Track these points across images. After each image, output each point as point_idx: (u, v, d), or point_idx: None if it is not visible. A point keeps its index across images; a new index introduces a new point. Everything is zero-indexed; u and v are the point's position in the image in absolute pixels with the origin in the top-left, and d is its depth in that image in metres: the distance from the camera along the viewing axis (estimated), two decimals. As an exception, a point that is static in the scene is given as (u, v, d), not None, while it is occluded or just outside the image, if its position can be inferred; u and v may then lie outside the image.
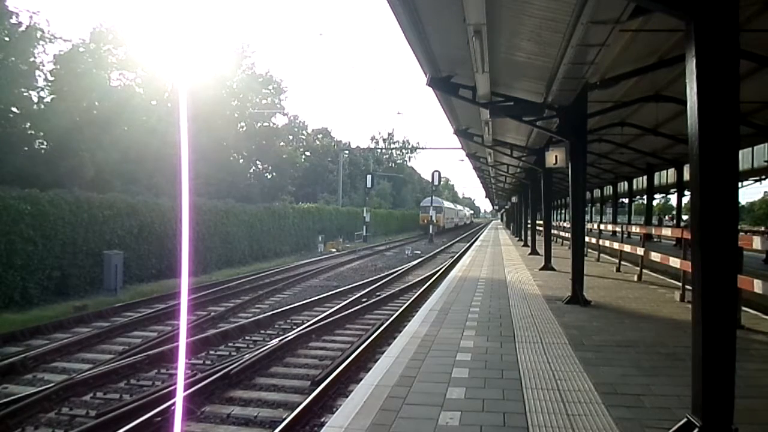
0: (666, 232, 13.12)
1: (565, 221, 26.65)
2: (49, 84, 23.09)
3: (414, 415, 3.61)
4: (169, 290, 13.65)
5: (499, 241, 27.69)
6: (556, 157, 9.93)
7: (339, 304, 11.97)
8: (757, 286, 5.59)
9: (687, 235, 7.87)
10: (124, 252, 14.59)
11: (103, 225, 14.63)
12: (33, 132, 21.96)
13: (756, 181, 18.99)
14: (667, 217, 42.03)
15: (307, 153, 57.45)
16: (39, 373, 7.17)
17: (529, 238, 21.26)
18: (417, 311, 8.01)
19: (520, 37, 6.79)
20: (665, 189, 26.33)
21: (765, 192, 54.28)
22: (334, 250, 29.12)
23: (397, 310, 10.85)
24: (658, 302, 8.35)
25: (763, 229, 32.99)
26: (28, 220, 12.27)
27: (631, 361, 4.91)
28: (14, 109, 20.96)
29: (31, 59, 21.42)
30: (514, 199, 33.94)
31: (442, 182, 67.24)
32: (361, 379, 4.60)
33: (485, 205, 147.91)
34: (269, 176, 39.22)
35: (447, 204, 63.77)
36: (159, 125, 23.05)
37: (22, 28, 20.50)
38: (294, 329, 9.32)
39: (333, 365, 7.16)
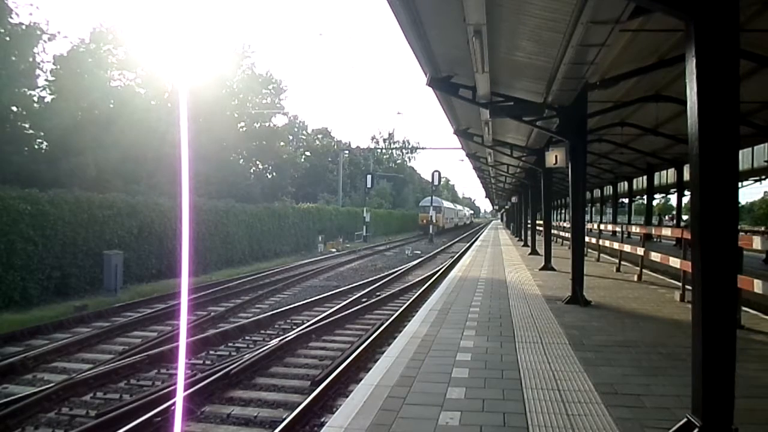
0: (666, 232, 13.12)
1: (565, 221, 26.65)
2: (50, 84, 23.11)
3: (414, 415, 3.61)
4: (169, 290, 13.65)
5: (499, 241, 27.69)
6: (556, 157, 9.93)
7: (339, 304, 11.96)
8: (757, 286, 5.59)
9: (687, 235, 7.87)
10: (124, 252, 14.58)
11: (103, 225, 14.62)
12: (33, 131, 21.98)
13: (756, 181, 19.00)
14: (667, 217, 42.03)
15: (307, 153, 57.54)
16: (39, 373, 7.17)
17: (529, 238, 21.26)
18: (417, 311, 8.01)
19: (520, 37, 6.79)
20: (665, 189, 26.34)
21: (765, 192, 54.24)
22: (334, 250, 29.12)
23: (397, 311, 10.85)
24: (658, 302, 8.35)
25: (763, 229, 33.01)
26: (28, 220, 12.27)
27: (631, 361, 4.91)
28: (14, 108, 20.96)
29: (31, 59, 21.43)
30: (514, 199, 33.93)
31: (442, 182, 67.23)
32: (361, 379, 4.60)
33: (485, 205, 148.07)
34: (269, 176, 39.28)
35: (447, 204, 63.73)
36: (159, 125, 23.05)
37: (22, 27, 20.50)
38: (294, 329, 9.32)
39: (333, 365, 7.16)
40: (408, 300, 12.22)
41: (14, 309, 11.35)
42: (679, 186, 21.63)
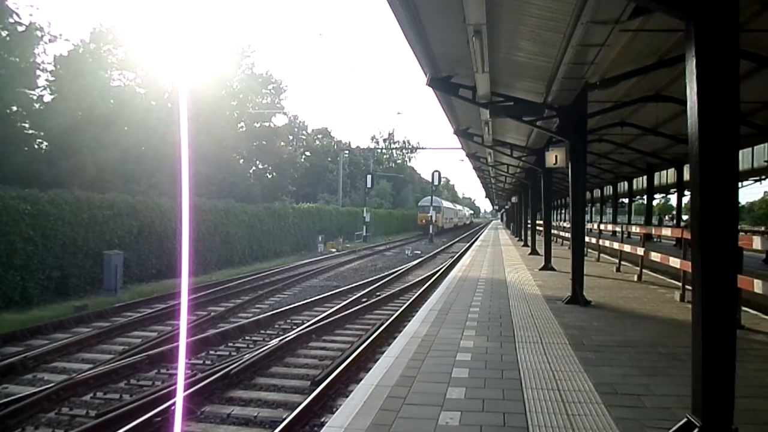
0: (666, 232, 13.11)
1: (565, 221, 26.64)
2: (50, 84, 23.11)
3: (414, 415, 3.61)
4: (169, 290, 13.65)
5: (499, 241, 27.69)
6: (556, 157, 9.93)
7: (339, 304, 11.97)
8: (757, 286, 5.59)
9: (687, 235, 7.87)
10: (124, 252, 14.58)
11: (103, 225, 14.63)
12: (33, 131, 21.98)
13: (756, 181, 18.98)
14: (667, 217, 42.03)
15: (307, 153, 57.55)
16: (39, 373, 7.17)
17: (529, 238, 21.26)
18: (417, 311, 8.01)
19: (520, 37, 6.79)
20: (665, 189, 26.33)
21: (765, 192, 54.25)
22: (334, 250, 29.12)
23: (397, 310, 10.85)
24: (658, 302, 8.35)
25: (763, 229, 33.01)
26: (28, 220, 12.27)
27: (631, 361, 4.90)
28: (15, 108, 20.96)
29: (32, 59, 21.43)
30: (514, 199, 33.93)
31: (442, 182, 67.21)
32: (361, 379, 4.60)
33: (485, 205, 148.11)
34: (269, 176, 39.23)
35: (446, 204, 63.64)
36: (159, 125, 23.05)
37: (23, 28, 20.50)
38: (294, 329, 9.32)
39: (333, 365, 7.16)
40: (408, 300, 12.22)
41: (14, 309, 11.35)
42: (679, 186, 21.61)
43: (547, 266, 12.98)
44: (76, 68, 22.93)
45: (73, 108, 22.02)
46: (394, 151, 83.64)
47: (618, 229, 16.31)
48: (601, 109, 10.38)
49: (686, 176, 18.91)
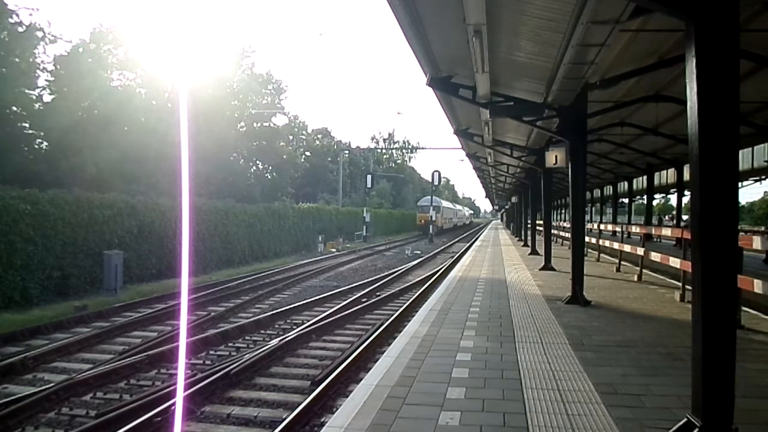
0: (666, 232, 13.12)
1: (565, 221, 26.65)
2: (50, 84, 23.10)
3: (414, 415, 3.61)
4: (169, 290, 13.65)
5: (499, 241, 27.69)
6: (556, 157, 9.92)
7: (339, 304, 11.97)
8: (757, 286, 5.59)
9: (687, 235, 7.87)
10: (124, 252, 14.58)
11: (103, 225, 14.63)
12: (33, 131, 21.96)
13: (756, 181, 18.99)
14: (667, 217, 42.03)
15: (307, 153, 57.50)
16: (39, 373, 7.17)
17: (529, 238, 21.26)
18: (417, 311, 8.02)
19: (520, 37, 6.79)
20: (665, 189, 26.33)
21: (765, 192, 54.28)
22: (334, 250, 29.12)
23: (397, 310, 10.85)
24: (658, 302, 8.35)
25: (763, 229, 33.01)
26: (28, 220, 12.27)
27: (631, 361, 4.91)
28: (14, 108, 20.95)
29: (32, 59, 21.42)
30: (514, 199, 33.94)
31: (442, 182, 67.18)
32: (361, 379, 4.60)
33: (485, 205, 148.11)
34: (269, 176, 39.21)
35: (445, 203, 63.57)
36: (159, 125, 23.03)
37: (23, 28, 20.50)
38: (294, 329, 9.32)
39: (333, 365, 7.16)
40: (408, 300, 12.22)
41: (14, 309, 11.34)
42: (679, 186, 21.62)
43: (547, 266, 12.98)
44: (76, 68, 22.90)
45: (73, 108, 22.00)
46: (394, 151, 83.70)
47: (618, 229, 16.31)
48: (601, 109, 10.37)
49: (686, 176, 18.91)
